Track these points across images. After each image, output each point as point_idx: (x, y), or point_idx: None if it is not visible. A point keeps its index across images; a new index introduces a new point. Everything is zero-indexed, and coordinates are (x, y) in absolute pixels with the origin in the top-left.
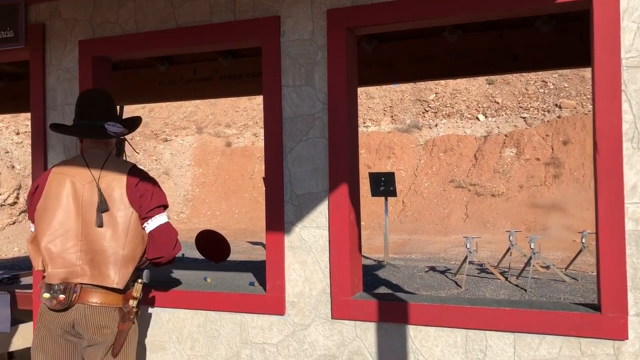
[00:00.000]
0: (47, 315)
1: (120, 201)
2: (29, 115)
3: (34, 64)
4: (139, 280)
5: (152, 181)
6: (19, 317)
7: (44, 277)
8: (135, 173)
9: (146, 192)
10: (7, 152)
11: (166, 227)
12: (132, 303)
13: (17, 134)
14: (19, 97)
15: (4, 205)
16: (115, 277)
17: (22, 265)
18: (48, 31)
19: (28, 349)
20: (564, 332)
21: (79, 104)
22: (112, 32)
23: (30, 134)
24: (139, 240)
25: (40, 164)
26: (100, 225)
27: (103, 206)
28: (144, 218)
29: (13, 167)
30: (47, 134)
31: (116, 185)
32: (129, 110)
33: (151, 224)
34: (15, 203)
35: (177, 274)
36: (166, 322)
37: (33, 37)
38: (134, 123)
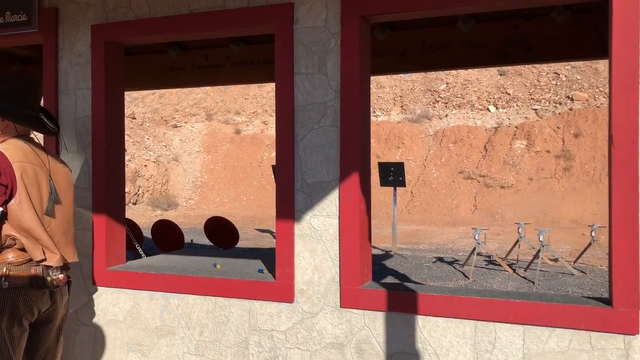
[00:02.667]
0: (26, 297)
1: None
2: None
3: (47, 48)
4: None
5: None
6: None
7: (40, 261)
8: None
9: None
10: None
11: None
12: None
13: None
14: None
15: None
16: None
17: None
18: (61, 15)
19: None
20: (574, 326)
21: (23, 90)
22: (125, 16)
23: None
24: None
25: (52, 147)
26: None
27: (54, 195)
28: None
29: None
30: (59, 119)
31: (64, 170)
32: (139, 96)
33: None
34: None
35: (186, 260)
36: (175, 308)
37: (46, 21)
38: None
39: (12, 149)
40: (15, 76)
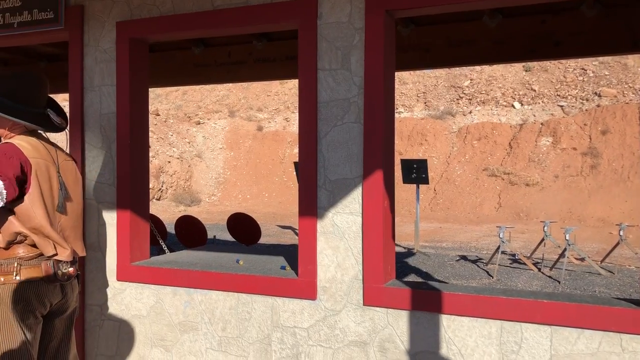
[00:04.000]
0: (38, 290)
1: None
2: (66, 96)
3: (73, 45)
4: None
5: None
6: None
7: (52, 256)
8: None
9: None
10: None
11: None
12: None
13: None
14: (58, 78)
15: None
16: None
17: None
18: (86, 12)
19: None
20: (603, 327)
21: (26, 87)
22: (149, 13)
23: (67, 115)
24: None
25: (78, 143)
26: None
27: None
28: None
29: None
30: (84, 115)
31: (72, 165)
32: (163, 92)
33: None
34: None
35: (209, 256)
36: (198, 303)
37: (72, 18)
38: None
39: (25, 146)
40: (18, 74)
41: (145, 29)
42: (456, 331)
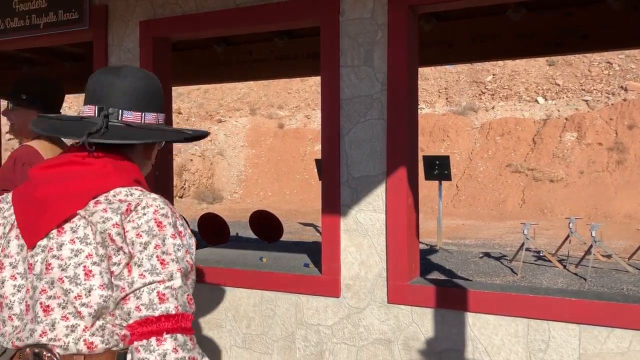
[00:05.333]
0: None
1: None
2: None
3: (97, 45)
4: None
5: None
6: None
7: None
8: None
9: None
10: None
11: None
12: None
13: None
14: (82, 78)
15: None
16: None
17: None
18: (111, 12)
19: None
20: (634, 326)
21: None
22: (172, 12)
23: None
24: None
25: None
26: None
27: None
28: None
29: None
30: None
31: None
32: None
33: None
34: None
35: (233, 253)
36: (223, 301)
37: (96, 18)
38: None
39: (43, 149)
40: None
41: (168, 27)
42: (482, 329)
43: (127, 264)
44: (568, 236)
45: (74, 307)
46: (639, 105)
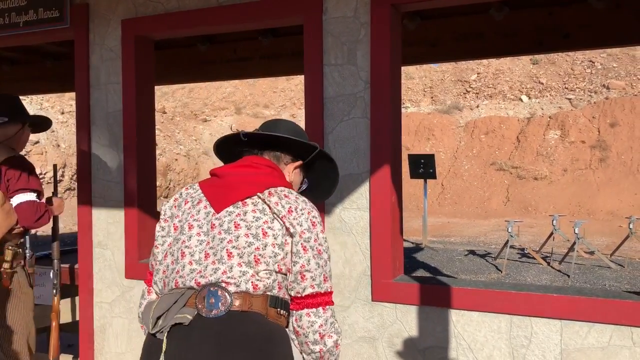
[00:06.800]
0: None
1: None
2: (73, 95)
3: (79, 44)
4: (9, 247)
5: (23, 168)
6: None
7: None
8: (6, 162)
9: (12, 176)
10: (53, 131)
11: (27, 203)
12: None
13: (62, 113)
14: (64, 77)
15: (50, 182)
16: None
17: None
18: (92, 11)
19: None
20: (614, 321)
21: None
22: (154, 11)
23: (74, 113)
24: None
25: (85, 142)
26: None
27: None
28: (9, 197)
29: (58, 145)
30: (91, 113)
31: None
32: (169, 90)
33: (14, 200)
34: (60, 181)
35: None
36: None
37: (77, 16)
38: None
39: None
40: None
41: (150, 26)
42: (465, 326)
43: (302, 244)
44: (552, 233)
45: (253, 256)
46: (621, 104)
